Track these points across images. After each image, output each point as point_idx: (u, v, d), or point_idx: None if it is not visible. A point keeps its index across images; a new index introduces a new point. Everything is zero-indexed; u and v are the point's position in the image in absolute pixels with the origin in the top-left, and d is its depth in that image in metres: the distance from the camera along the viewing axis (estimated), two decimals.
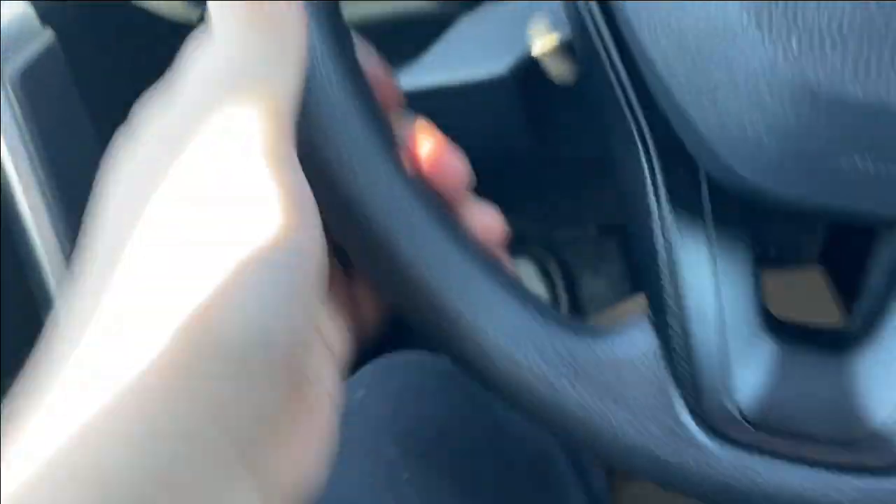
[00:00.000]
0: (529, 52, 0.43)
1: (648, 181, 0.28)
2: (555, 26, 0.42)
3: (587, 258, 0.77)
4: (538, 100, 0.45)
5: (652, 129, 0.27)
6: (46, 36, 0.49)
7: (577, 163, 0.57)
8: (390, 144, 0.28)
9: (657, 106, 0.26)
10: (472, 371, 0.29)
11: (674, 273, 0.28)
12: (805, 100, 0.23)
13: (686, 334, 0.28)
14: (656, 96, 0.26)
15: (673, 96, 0.25)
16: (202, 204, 0.21)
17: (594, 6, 0.26)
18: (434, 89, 0.48)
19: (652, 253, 0.28)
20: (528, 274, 0.80)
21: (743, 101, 0.24)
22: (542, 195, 0.70)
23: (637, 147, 0.28)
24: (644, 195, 0.28)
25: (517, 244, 0.83)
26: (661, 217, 0.28)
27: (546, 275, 0.80)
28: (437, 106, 0.43)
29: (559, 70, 0.39)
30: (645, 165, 0.28)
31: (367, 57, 0.29)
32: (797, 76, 0.23)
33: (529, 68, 0.43)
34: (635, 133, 0.27)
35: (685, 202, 0.28)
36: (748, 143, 0.24)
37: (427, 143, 0.29)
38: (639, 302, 0.32)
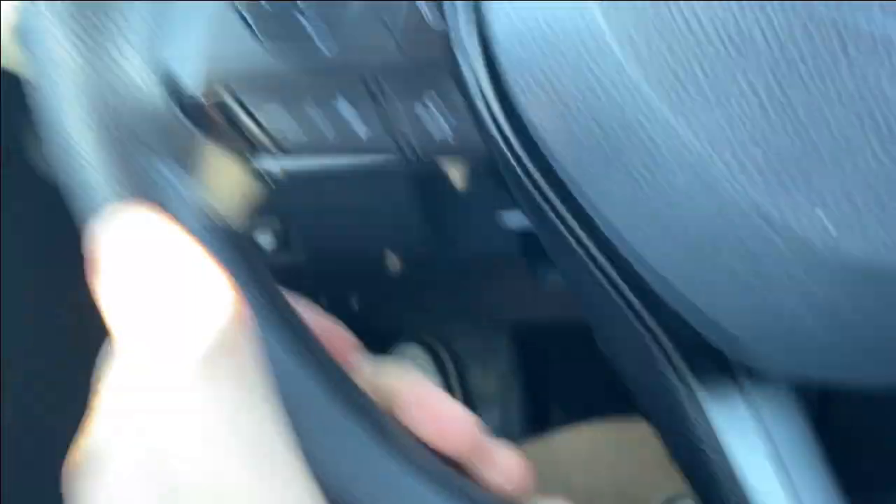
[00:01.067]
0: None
1: (663, 361, 0.24)
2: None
3: (478, 353, 0.77)
4: (434, 197, 0.46)
5: (660, 324, 0.24)
6: None
7: (473, 260, 0.57)
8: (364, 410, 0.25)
9: (664, 303, 0.23)
10: None
11: (721, 455, 0.24)
12: (853, 279, 0.20)
13: None
14: (659, 295, 0.23)
15: (682, 296, 0.22)
16: None
17: (559, 205, 0.24)
18: (332, 172, 0.48)
19: (684, 431, 0.24)
20: (423, 365, 0.80)
21: (773, 289, 0.21)
22: (438, 288, 0.70)
23: (639, 333, 0.25)
24: (661, 374, 0.25)
25: (412, 334, 0.83)
26: (689, 394, 0.24)
27: (440, 366, 0.80)
28: (334, 189, 0.43)
29: (454, 175, 0.40)
30: (655, 349, 0.25)
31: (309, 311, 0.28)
32: (839, 255, 0.20)
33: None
34: (637, 325, 0.25)
35: (714, 376, 0.24)
36: (788, 332, 0.21)
37: (423, 398, 0.27)
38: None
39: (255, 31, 0.26)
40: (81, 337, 0.60)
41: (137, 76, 0.25)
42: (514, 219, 0.48)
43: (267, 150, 0.27)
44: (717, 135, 0.21)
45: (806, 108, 0.20)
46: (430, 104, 0.26)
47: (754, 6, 0.20)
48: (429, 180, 0.45)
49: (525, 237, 0.49)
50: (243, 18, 0.26)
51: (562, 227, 0.25)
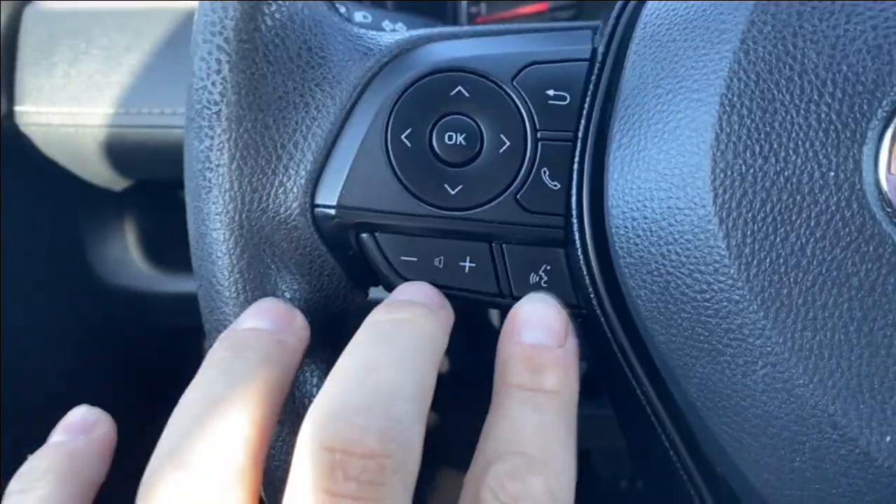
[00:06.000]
0: None
1: None
2: None
3: None
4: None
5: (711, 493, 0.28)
6: None
7: None
8: None
9: (723, 481, 0.26)
10: None
11: None
12: None
13: None
14: (723, 476, 0.26)
15: (747, 482, 0.25)
16: None
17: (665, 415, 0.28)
18: None
19: None
20: None
21: (833, 493, 0.24)
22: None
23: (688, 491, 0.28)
24: None
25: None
26: None
27: None
28: None
29: None
30: None
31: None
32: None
33: None
34: (689, 485, 0.28)
35: None
36: None
37: None
38: None
39: (396, 169, 0.28)
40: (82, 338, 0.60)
41: (289, 201, 0.28)
42: None
43: (385, 280, 0.29)
44: (801, 344, 0.24)
45: (890, 341, 0.23)
46: (545, 275, 0.29)
47: (853, 247, 0.24)
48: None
49: None
50: (387, 156, 0.28)
51: (644, 402, 0.28)
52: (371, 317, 0.27)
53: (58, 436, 0.30)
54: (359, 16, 0.40)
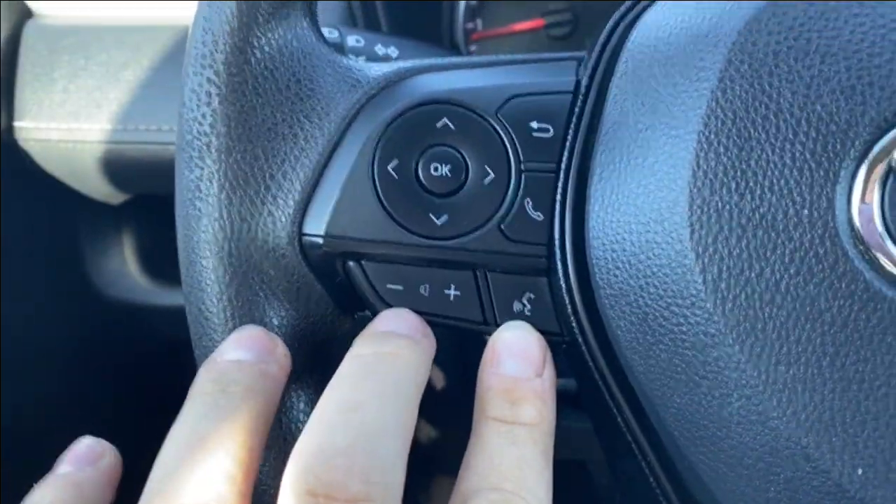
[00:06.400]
0: None
1: None
2: None
3: None
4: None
5: None
6: None
7: None
8: None
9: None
10: None
11: None
12: None
13: None
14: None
15: None
16: None
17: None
18: None
19: None
20: None
21: None
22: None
23: None
24: None
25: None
26: None
27: None
28: None
29: None
30: None
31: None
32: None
33: None
34: None
35: None
36: None
37: None
38: None
39: (383, 199, 0.29)
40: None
41: (278, 230, 0.29)
42: None
43: (371, 308, 0.30)
44: (775, 377, 0.25)
45: (861, 376, 0.24)
46: (528, 304, 0.29)
47: (826, 284, 0.24)
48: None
49: None
50: (374, 186, 0.29)
51: (624, 429, 0.28)
52: (354, 349, 0.27)
53: (65, 466, 0.30)
54: (352, 40, 0.40)
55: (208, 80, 0.28)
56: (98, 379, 0.65)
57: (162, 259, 0.65)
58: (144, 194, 0.62)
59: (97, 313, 0.64)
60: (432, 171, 0.29)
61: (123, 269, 0.63)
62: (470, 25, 0.66)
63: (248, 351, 0.28)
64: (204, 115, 0.28)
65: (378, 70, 0.30)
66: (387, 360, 0.26)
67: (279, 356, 0.28)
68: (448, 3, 0.66)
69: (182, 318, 0.62)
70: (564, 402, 0.56)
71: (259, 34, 0.28)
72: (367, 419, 0.24)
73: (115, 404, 0.64)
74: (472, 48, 0.66)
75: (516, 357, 0.28)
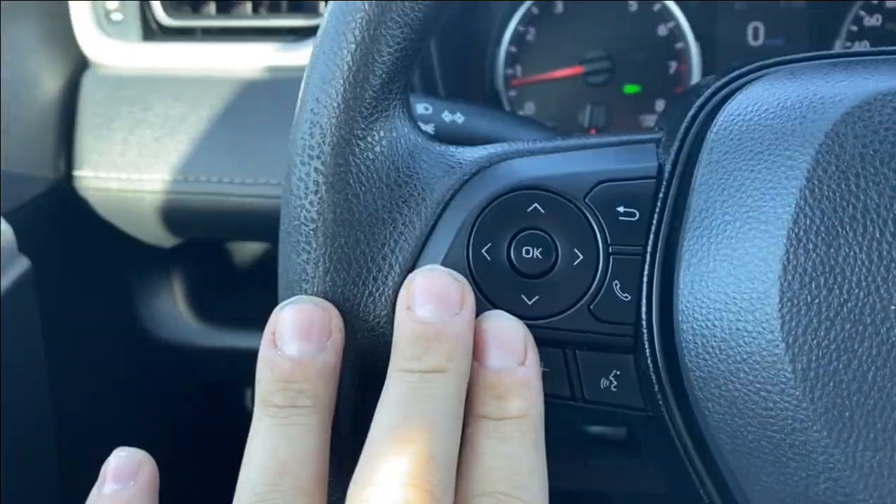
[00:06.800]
0: None
1: None
2: None
3: None
4: None
5: None
6: (24, 264, 0.52)
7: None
8: None
9: None
10: None
11: None
12: None
13: None
14: None
15: None
16: None
17: None
18: None
19: None
20: None
21: None
22: None
23: None
24: None
25: None
26: None
27: None
28: None
29: None
30: None
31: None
32: None
33: None
34: None
35: None
36: None
37: None
38: None
39: (478, 281, 0.30)
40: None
41: (378, 310, 0.30)
42: None
43: None
44: (862, 462, 0.26)
45: None
46: (615, 380, 0.31)
47: None
48: None
49: None
50: (469, 268, 0.30)
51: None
52: (399, 362, 0.29)
53: (110, 485, 0.31)
54: (420, 107, 0.42)
55: (315, 169, 0.30)
56: (149, 419, 0.66)
57: (211, 300, 0.67)
58: (196, 238, 0.63)
59: (148, 354, 0.65)
60: (524, 254, 0.31)
61: (174, 310, 0.65)
62: (510, 71, 0.68)
63: (308, 341, 0.29)
64: (311, 203, 0.30)
65: (471, 155, 0.32)
66: (436, 383, 0.28)
67: (335, 339, 0.29)
68: (489, 50, 0.67)
69: (230, 359, 0.63)
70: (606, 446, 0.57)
71: (363, 126, 0.30)
72: (417, 451, 0.26)
73: (165, 444, 0.65)
74: (512, 94, 0.68)
75: (499, 349, 0.29)
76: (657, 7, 0.65)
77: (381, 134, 0.30)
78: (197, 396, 0.69)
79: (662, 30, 0.66)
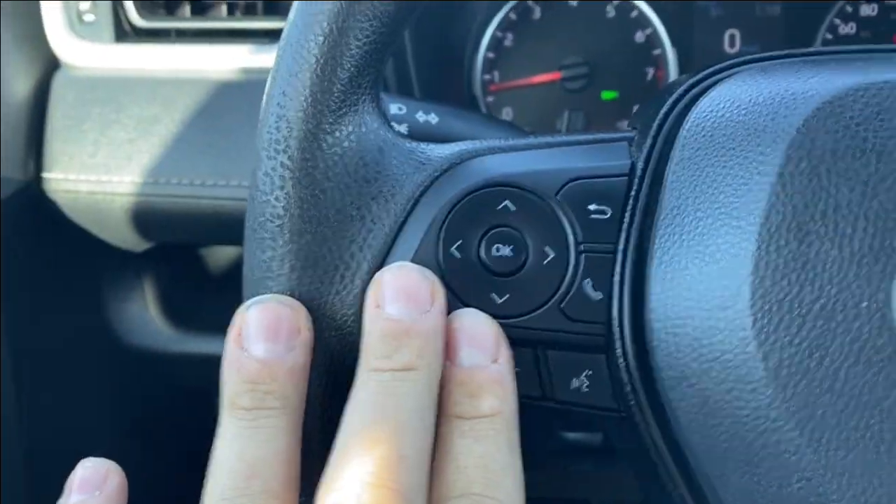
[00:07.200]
0: None
1: None
2: None
3: None
4: None
5: None
6: None
7: None
8: None
9: None
10: None
11: None
12: None
13: None
14: None
15: None
16: None
17: None
18: None
19: None
20: None
21: None
22: None
23: None
24: None
25: None
26: None
27: None
28: None
29: None
30: None
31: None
32: None
33: None
34: None
35: None
36: None
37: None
38: None
39: (447, 279, 0.30)
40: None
41: (345, 308, 0.30)
42: None
43: None
44: (834, 462, 0.26)
45: None
46: (586, 380, 0.30)
47: (884, 374, 0.25)
48: None
49: None
50: (439, 266, 0.30)
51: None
52: (370, 360, 0.28)
53: (75, 495, 0.30)
54: (394, 107, 0.41)
55: (282, 164, 0.29)
56: (119, 425, 0.65)
57: (183, 305, 0.66)
58: (168, 242, 0.62)
59: (118, 360, 0.64)
60: (494, 251, 0.30)
61: (145, 315, 0.64)
62: (487, 77, 0.67)
63: (275, 341, 0.28)
64: (277, 199, 0.29)
65: (441, 152, 0.31)
66: (406, 381, 0.27)
67: (304, 338, 0.29)
68: (467, 55, 0.67)
69: (202, 365, 0.62)
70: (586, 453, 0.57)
71: (331, 121, 0.29)
72: (387, 453, 0.25)
73: (135, 450, 0.64)
74: (490, 99, 0.68)
75: (470, 346, 0.29)
76: (634, 13, 0.65)
77: (350, 129, 0.30)
78: (168, 402, 0.68)
79: (640, 36, 0.66)
